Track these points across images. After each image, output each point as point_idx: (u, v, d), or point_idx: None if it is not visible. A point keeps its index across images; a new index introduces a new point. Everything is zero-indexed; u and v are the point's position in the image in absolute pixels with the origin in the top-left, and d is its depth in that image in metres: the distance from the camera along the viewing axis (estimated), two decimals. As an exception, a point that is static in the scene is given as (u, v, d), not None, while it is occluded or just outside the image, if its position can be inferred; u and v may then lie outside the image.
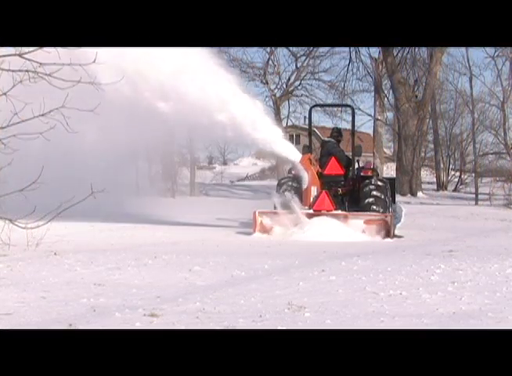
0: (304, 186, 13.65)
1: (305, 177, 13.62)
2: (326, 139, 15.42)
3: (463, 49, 32.11)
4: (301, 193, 13.60)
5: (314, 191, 13.45)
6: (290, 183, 13.96)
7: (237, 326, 5.52)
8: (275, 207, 13.35)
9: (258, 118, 13.60)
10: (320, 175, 13.86)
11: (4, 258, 9.49)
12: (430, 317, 5.92)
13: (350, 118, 16.31)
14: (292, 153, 14.04)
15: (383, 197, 13.68)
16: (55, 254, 9.87)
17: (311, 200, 13.34)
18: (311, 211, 13.12)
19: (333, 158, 14.33)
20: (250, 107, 13.55)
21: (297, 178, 13.93)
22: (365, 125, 37.29)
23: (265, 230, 13.09)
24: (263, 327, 5.52)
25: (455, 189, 38.82)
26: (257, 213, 13.13)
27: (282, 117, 35.59)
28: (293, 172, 14.36)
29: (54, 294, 6.88)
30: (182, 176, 33.81)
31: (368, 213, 13.33)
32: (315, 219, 12.91)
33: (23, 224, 9.89)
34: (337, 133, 15.08)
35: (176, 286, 7.47)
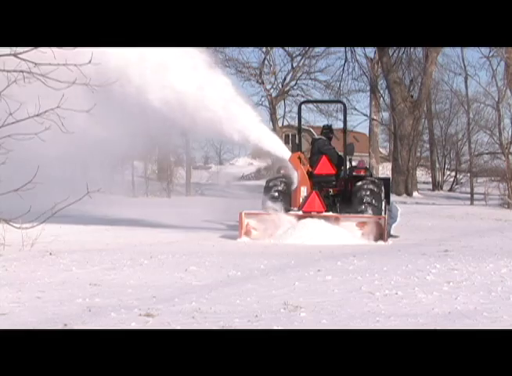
0: (294, 185, 12.92)
1: (295, 176, 12.87)
2: (317, 136, 14.62)
3: (458, 49, 32.20)
4: (290, 194, 12.92)
5: (304, 191, 12.61)
6: (278, 187, 13.04)
7: (233, 326, 5.51)
8: (263, 209, 12.63)
9: (247, 114, 12.94)
10: (310, 175, 13.04)
11: (-1, 258, 9.47)
12: (425, 317, 5.92)
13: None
14: (282, 151, 13.24)
15: (376, 203, 12.79)
16: (50, 254, 9.84)
17: (301, 200, 12.52)
18: (300, 213, 12.33)
19: (324, 157, 13.45)
20: (239, 103, 12.95)
21: (286, 178, 13.16)
22: (360, 125, 37.39)
23: (253, 233, 12.25)
24: (259, 326, 5.51)
25: (450, 189, 38.99)
26: (243, 214, 12.21)
27: (278, 117, 35.62)
28: (282, 172, 13.58)
29: (49, 294, 6.87)
30: (177, 176, 33.85)
31: (361, 215, 12.54)
32: (305, 221, 12.11)
33: (18, 224, 9.88)
34: (327, 130, 14.09)
35: (172, 286, 7.46)
